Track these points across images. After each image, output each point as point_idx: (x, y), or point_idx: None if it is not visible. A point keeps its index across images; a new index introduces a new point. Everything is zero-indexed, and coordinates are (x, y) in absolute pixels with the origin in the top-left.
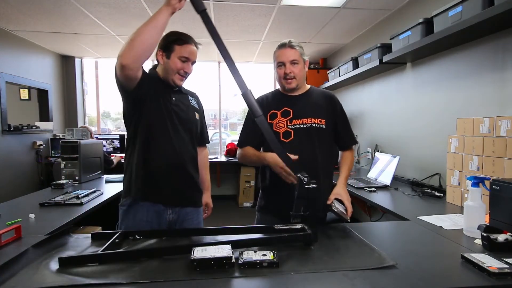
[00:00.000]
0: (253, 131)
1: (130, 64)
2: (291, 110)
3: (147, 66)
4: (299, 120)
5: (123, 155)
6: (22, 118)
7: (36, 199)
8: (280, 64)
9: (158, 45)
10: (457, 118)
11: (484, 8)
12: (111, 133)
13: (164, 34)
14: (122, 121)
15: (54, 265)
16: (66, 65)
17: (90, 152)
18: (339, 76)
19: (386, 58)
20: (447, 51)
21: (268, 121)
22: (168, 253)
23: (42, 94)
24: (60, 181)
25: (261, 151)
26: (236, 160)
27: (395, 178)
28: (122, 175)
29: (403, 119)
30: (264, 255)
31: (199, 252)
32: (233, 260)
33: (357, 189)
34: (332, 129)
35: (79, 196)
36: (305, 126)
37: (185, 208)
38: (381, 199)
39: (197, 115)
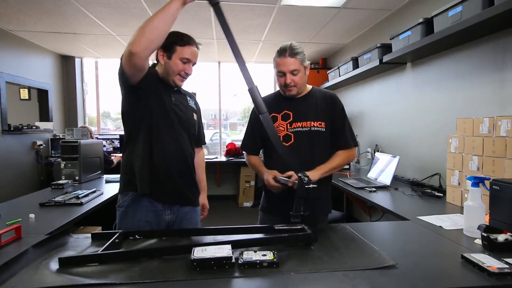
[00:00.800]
0: (255, 133)
1: (140, 52)
2: (291, 113)
3: None
4: (299, 123)
5: None
6: (22, 118)
7: (36, 199)
8: (280, 74)
9: None
10: (457, 118)
11: (484, 8)
12: (111, 133)
13: None
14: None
15: (54, 265)
16: (66, 65)
17: (90, 152)
18: (339, 76)
19: (386, 58)
20: (447, 51)
21: None
22: (168, 253)
23: (42, 94)
24: (60, 181)
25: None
26: (236, 160)
27: (395, 178)
28: None
29: (403, 119)
30: (264, 255)
31: (199, 252)
32: (233, 260)
33: (357, 189)
34: (331, 132)
35: (79, 196)
36: (305, 130)
37: (184, 208)
38: (381, 199)
39: (195, 116)
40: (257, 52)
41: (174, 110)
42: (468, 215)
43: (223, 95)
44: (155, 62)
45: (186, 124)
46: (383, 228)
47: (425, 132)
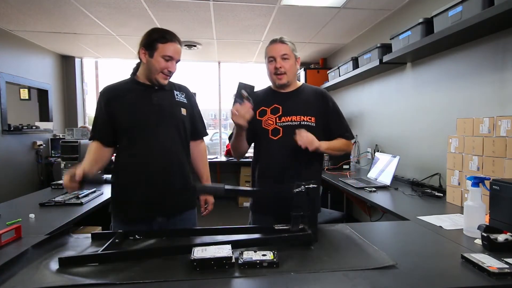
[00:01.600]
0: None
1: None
2: (280, 107)
3: (131, 65)
4: (288, 117)
5: None
6: (22, 118)
7: (36, 199)
8: (271, 59)
9: (140, 43)
10: (457, 118)
11: (484, 8)
12: None
13: (146, 31)
14: None
15: (54, 265)
16: (66, 65)
17: None
18: (339, 76)
19: (386, 58)
20: (447, 51)
21: (258, 117)
22: (168, 253)
23: (42, 94)
24: (60, 181)
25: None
26: (236, 160)
27: (395, 178)
28: None
29: (403, 119)
30: (264, 255)
31: (199, 252)
32: (233, 260)
33: (357, 189)
34: (322, 127)
35: (79, 196)
36: (294, 124)
37: (174, 218)
38: (381, 199)
39: (183, 111)
40: (257, 52)
41: (155, 111)
42: (468, 215)
43: (223, 95)
44: (138, 63)
45: (173, 121)
46: (383, 228)
47: (425, 132)
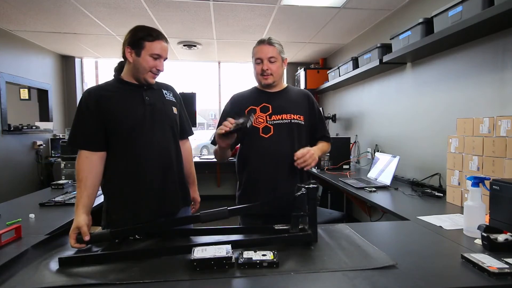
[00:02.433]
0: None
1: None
2: (270, 106)
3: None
4: (279, 115)
5: None
6: (22, 118)
7: (36, 199)
8: (258, 61)
9: (125, 41)
10: (457, 118)
11: (484, 8)
12: None
13: (130, 30)
14: None
15: (54, 265)
16: (66, 65)
17: None
18: (339, 76)
19: (386, 58)
20: (447, 51)
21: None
22: (168, 253)
23: (42, 94)
24: (60, 181)
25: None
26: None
27: (395, 178)
28: None
29: (403, 119)
30: (264, 255)
31: (199, 252)
32: (233, 260)
33: (357, 189)
34: (309, 126)
35: None
36: (285, 122)
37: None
38: (381, 199)
39: (174, 110)
40: None
41: (151, 110)
42: (468, 215)
43: (223, 95)
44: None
45: (168, 121)
46: (383, 228)
47: (425, 132)
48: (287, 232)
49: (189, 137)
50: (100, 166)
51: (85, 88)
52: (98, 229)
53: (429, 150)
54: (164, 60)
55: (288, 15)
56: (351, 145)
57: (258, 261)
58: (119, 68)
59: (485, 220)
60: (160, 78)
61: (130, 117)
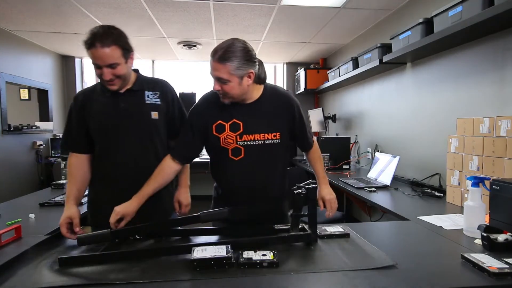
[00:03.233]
0: (190, 143)
1: None
2: (241, 123)
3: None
4: (251, 135)
5: None
6: (22, 118)
7: (36, 199)
8: (213, 77)
9: None
10: (457, 118)
11: (484, 8)
12: None
13: None
14: None
15: (54, 265)
16: (66, 65)
17: None
18: (339, 76)
19: (386, 58)
20: (447, 51)
21: (214, 133)
22: (168, 253)
23: (42, 94)
24: (60, 181)
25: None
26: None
27: (395, 178)
28: None
29: (403, 119)
30: (264, 255)
31: (199, 252)
32: (233, 260)
33: (357, 189)
34: (287, 140)
35: None
36: (258, 143)
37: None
38: (381, 199)
39: (154, 114)
40: (257, 52)
41: (124, 117)
42: (468, 215)
43: None
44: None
45: (143, 126)
46: (383, 228)
47: (425, 132)
48: (287, 232)
49: None
50: (88, 165)
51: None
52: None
53: (429, 150)
54: (113, 67)
55: (288, 15)
56: (351, 145)
57: (258, 261)
58: None
59: (485, 220)
60: (161, 77)
61: (103, 123)
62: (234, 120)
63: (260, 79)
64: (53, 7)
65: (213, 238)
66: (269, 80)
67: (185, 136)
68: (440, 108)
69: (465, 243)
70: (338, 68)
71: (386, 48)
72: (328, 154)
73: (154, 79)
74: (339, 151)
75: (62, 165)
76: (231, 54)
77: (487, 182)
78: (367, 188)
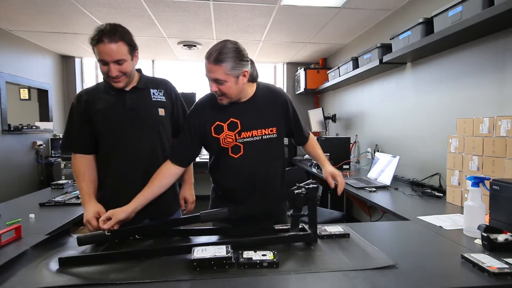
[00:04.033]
0: (188, 146)
1: None
2: (238, 122)
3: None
4: (249, 132)
5: None
6: (22, 118)
7: (36, 199)
8: (209, 79)
9: None
10: (457, 118)
11: (484, 8)
12: None
13: None
14: None
15: (54, 265)
16: (66, 65)
17: None
18: (339, 76)
19: (386, 58)
20: (447, 51)
21: (213, 135)
22: (168, 253)
23: (42, 94)
24: (60, 181)
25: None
26: None
27: (395, 178)
28: None
29: (403, 119)
30: (264, 255)
31: (199, 252)
32: (233, 260)
33: (357, 189)
34: (283, 135)
35: (79, 196)
36: (256, 139)
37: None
38: (381, 199)
39: (161, 111)
40: (257, 52)
41: (131, 115)
42: (468, 215)
43: None
44: None
45: (151, 123)
46: (383, 228)
47: (425, 132)
48: (287, 232)
49: None
50: (94, 164)
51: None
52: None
53: (429, 150)
54: (119, 63)
55: (288, 15)
56: (351, 145)
57: (258, 261)
58: None
59: (485, 220)
60: (161, 77)
61: (110, 122)
62: (232, 119)
63: (253, 77)
64: (53, 7)
65: (213, 238)
66: (269, 80)
67: (183, 139)
68: (440, 108)
69: (465, 243)
70: (338, 68)
71: (386, 48)
72: (328, 154)
73: (157, 78)
74: (339, 151)
75: (62, 165)
76: (225, 56)
77: (487, 182)
78: (367, 188)
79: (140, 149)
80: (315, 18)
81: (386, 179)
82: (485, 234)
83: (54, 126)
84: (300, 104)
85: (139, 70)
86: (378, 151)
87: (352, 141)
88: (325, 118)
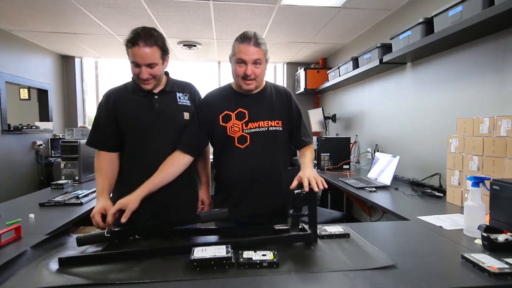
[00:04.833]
0: (197, 134)
1: None
2: (246, 112)
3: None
4: (255, 123)
5: None
6: (22, 118)
7: (36, 199)
8: (240, 62)
9: None
10: (457, 118)
11: (484, 8)
12: None
13: None
14: None
15: (54, 265)
16: (66, 65)
17: (90, 152)
18: (339, 76)
19: (386, 58)
20: (447, 51)
21: (221, 123)
22: (168, 253)
23: (42, 94)
24: (60, 181)
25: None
26: None
27: (395, 178)
28: None
29: (403, 119)
30: (264, 255)
31: (199, 252)
32: (233, 260)
33: (357, 189)
34: (288, 129)
35: (79, 196)
36: (262, 130)
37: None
38: (381, 199)
39: (186, 115)
40: None
41: (159, 118)
42: (468, 215)
43: None
44: None
45: (176, 127)
46: (383, 228)
47: (425, 132)
48: (287, 232)
49: None
50: (117, 162)
51: (85, 88)
52: (98, 229)
53: (429, 150)
54: (151, 66)
55: (288, 15)
56: (351, 145)
57: (258, 261)
58: None
59: (485, 220)
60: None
61: (138, 124)
62: (240, 109)
63: None
64: (53, 7)
65: (213, 238)
66: (269, 80)
67: (191, 127)
68: (440, 108)
69: (465, 243)
70: (338, 68)
71: (386, 48)
72: (328, 154)
73: (183, 82)
74: (339, 151)
75: (62, 165)
76: (262, 40)
77: (487, 182)
78: (367, 188)
79: (164, 151)
80: (315, 18)
81: (386, 179)
82: (485, 234)
83: (54, 126)
84: (300, 104)
85: (166, 73)
86: (378, 151)
87: (352, 141)
88: (325, 118)
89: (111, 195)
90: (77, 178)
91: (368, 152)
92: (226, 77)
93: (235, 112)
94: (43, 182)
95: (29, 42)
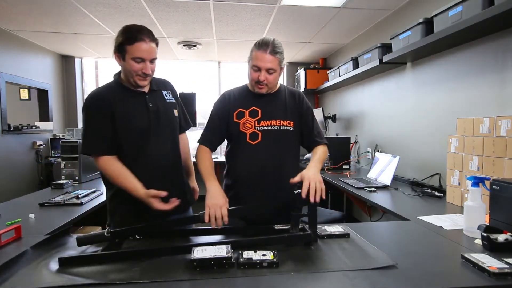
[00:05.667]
0: (217, 129)
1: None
2: (259, 110)
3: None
4: (268, 121)
5: None
6: (22, 118)
7: (36, 199)
8: (255, 68)
9: (114, 47)
10: (457, 118)
11: (484, 8)
12: None
13: (118, 32)
14: None
15: (54, 265)
16: (66, 65)
17: None
18: (339, 76)
19: (386, 58)
20: (447, 51)
21: (235, 120)
22: (168, 253)
23: (42, 94)
24: (60, 181)
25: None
26: None
27: (395, 178)
28: None
29: (403, 119)
30: (264, 255)
31: (199, 252)
32: (233, 260)
33: (357, 189)
34: (299, 130)
35: (79, 196)
36: (274, 128)
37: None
38: (381, 199)
39: (175, 112)
40: None
41: (155, 118)
42: (468, 215)
43: None
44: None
45: (171, 125)
46: (383, 228)
47: (425, 132)
48: (287, 232)
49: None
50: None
51: (85, 88)
52: (98, 229)
53: (429, 150)
54: (152, 61)
55: (288, 15)
56: (351, 145)
57: (258, 261)
58: (119, 71)
59: (485, 220)
60: (162, 77)
61: (137, 125)
62: (253, 107)
63: None
64: (53, 7)
65: (213, 238)
66: None
67: (212, 125)
68: (440, 108)
69: (465, 243)
70: (338, 68)
71: (386, 48)
72: (328, 154)
73: (161, 79)
74: (339, 151)
75: (62, 165)
76: (279, 49)
77: (487, 182)
78: (367, 188)
79: (163, 150)
80: (315, 18)
81: (386, 179)
82: (485, 234)
83: (54, 126)
84: None
85: None
86: (378, 151)
87: (352, 141)
88: (325, 118)
89: (110, 196)
90: (77, 178)
91: (368, 152)
92: (226, 77)
93: (249, 110)
94: (43, 182)
95: (29, 42)
